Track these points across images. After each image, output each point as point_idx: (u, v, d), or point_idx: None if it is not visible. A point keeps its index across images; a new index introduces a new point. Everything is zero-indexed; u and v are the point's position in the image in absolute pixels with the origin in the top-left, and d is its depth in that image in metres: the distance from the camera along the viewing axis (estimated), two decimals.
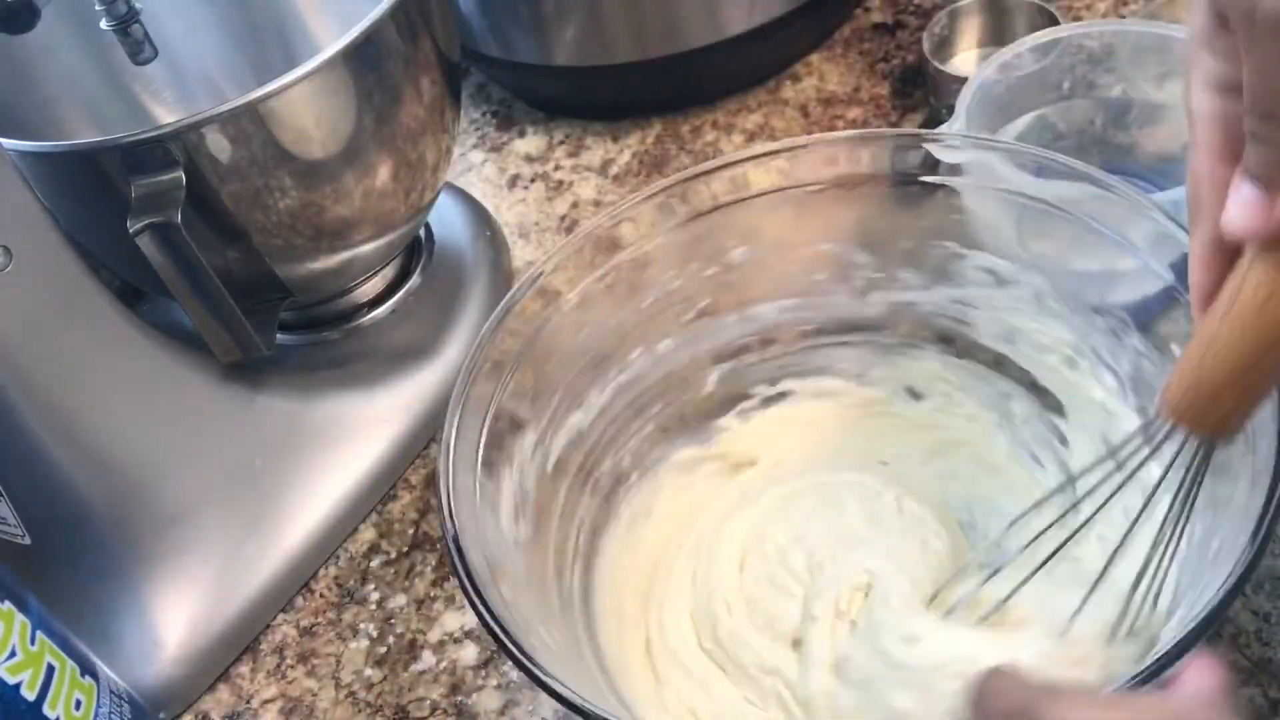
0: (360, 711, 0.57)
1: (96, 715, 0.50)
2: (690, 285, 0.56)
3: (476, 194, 0.79)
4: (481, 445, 0.48)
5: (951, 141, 0.53)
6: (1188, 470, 0.40)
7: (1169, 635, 0.40)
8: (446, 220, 0.75)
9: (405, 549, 0.63)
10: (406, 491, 0.65)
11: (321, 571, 0.63)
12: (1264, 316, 0.36)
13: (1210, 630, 0.36)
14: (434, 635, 0.59)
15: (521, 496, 0.50)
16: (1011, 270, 0.54)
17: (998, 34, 0.77)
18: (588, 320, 0.53)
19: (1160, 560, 0.42)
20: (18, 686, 0.46)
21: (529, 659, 0.41)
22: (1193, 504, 0.41)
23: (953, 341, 0.58)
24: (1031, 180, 0.51)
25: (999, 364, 0.57)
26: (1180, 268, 0.46)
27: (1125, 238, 0.49)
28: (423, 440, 0.67)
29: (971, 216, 0.54)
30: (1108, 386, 0.52)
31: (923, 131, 0.54)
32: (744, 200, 0.54)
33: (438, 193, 0.68)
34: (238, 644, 0.60)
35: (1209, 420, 0.39)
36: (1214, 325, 0.37)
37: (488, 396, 0.49)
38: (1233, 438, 0.40)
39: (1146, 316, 0.50)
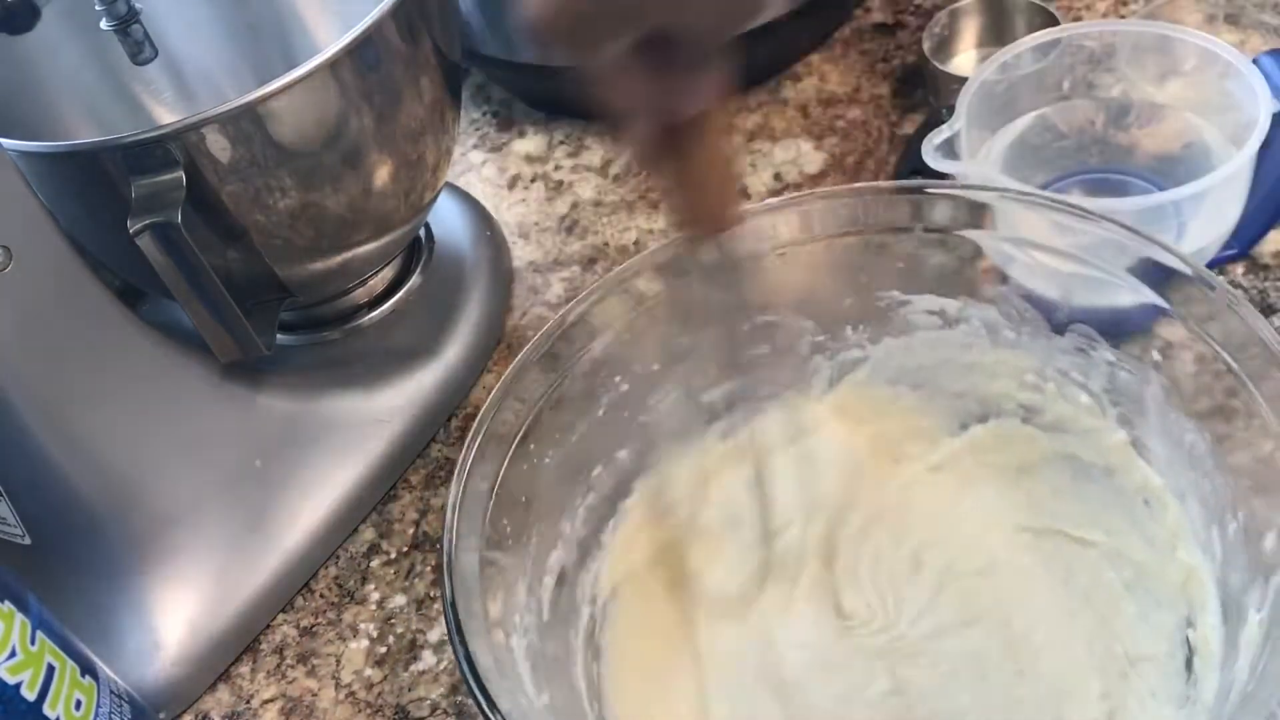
0: (360, 711, 0.57)
1: (97, 715, 0.50)
2: (637, 386, 0.54)
3: (476, 194, 0.79)
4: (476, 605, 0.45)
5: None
6: None
7: None
8: (446, 220, 0.75)
9: (405, 549, 0.63)
10: (406, 491, 0.65)
11: (321, 571, 0.63)
12: None
13: None
14: (434, 635, 0.59)
15: (526, 652, 0.48)
16: (957, 307, 0.54)
17: (998, 34, 0.77)
18: (548, 450, 0.51)
19: None
20: (18, 686, 0.45)
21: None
22: None
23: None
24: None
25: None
26: (1149, 275, 0.47)
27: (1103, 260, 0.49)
28: (423, 440, 0.67)
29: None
30: (1081, 404, 0.52)
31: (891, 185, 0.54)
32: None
33: (438, 193, 0.68)
34: (238, 644, 0.60)
35: None
36: None
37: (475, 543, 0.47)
38: None
39: (1122, 330, 0.50)
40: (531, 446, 0.50)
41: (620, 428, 0.54)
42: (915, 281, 0.54)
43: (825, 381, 0.58)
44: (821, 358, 0.58)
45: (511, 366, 0.51)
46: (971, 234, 0.52)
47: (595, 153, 0.81)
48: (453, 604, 0.43)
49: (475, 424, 0.49)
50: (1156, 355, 0.49)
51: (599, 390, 0.53)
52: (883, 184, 0.55)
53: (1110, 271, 0.48)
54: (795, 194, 0.54)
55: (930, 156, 0.60)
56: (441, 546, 0.45)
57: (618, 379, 0.54)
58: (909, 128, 0.75)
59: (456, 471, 0.47)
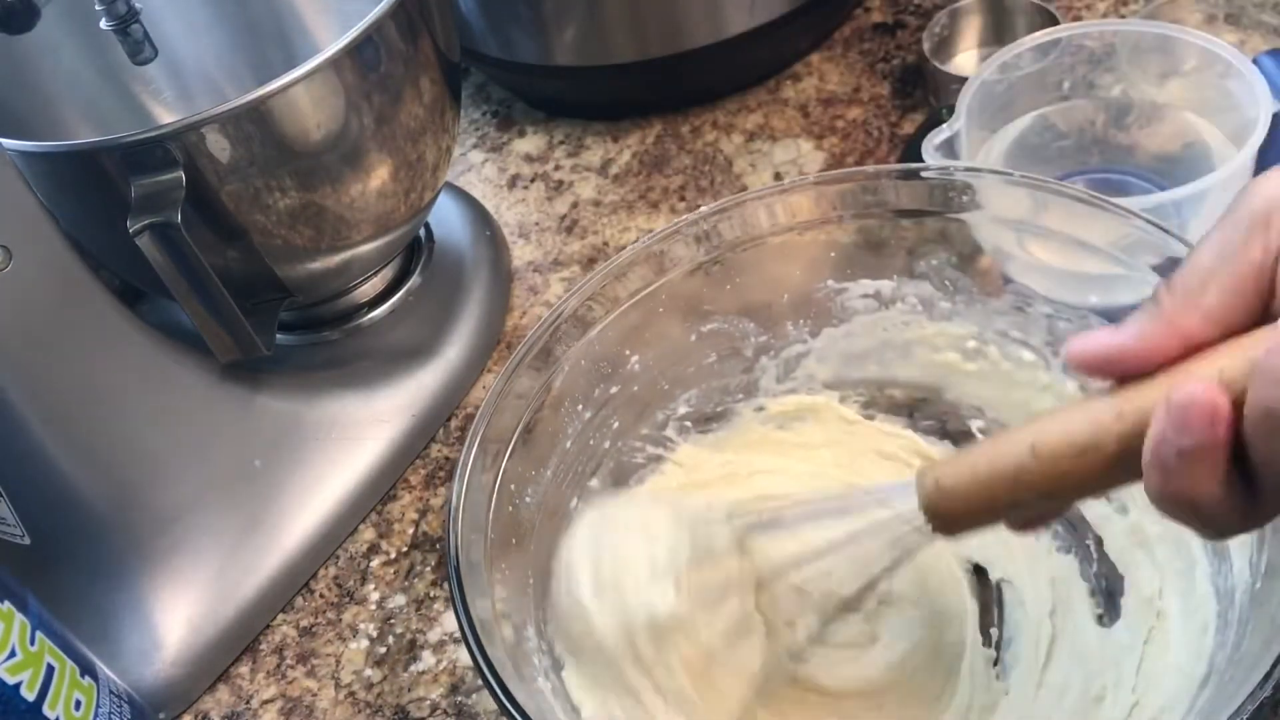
0: (360, 711, 0.57)
1: (96, 715, 0.50)
2: (598, 413, 0.54)
3: (476, 194, 0.79)
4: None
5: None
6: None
7: None
8: (446, 220, 0.75)
9: (405, 549, 0.63)
10: (406, 491, 0.65)
11: (321, 571, 0.63)
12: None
13: None
14: (434, 635, 0.59)
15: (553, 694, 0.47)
16: (892, 287, 0.54)
17: (998, 34, 0.77)
18: (523, 487, 0.51)
19: None
20: (17, 687, 0.46)
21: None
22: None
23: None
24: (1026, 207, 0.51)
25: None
26: (1162, 269, 0.47)
27: (1113, 248, 0.49)
28: (423, 440, 0.67)
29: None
30: (1024, 361, 0.53)
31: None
32: (622, 310, 0.53)
33: (437, 193, 0.68)
34: (238, 644, 0.60)
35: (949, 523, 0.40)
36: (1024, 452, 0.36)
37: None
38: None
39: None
40: (512, 487, 0.50)
41: (587, 455, 0.54)
42: (854, 267, 0.55)
43: (773, 379, 0.58)
44: (766, 358, 0.58)
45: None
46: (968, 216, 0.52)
47: (595, 153, 0.81)
48: (486, 660, 0.42)
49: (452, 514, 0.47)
50: None
51: (564, 424, 0.53)
52: (869, 168, 0.55)
53: (1128, 267, 0.48)
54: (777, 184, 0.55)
55: (930, 156, 0.60)
56: (456, 611, 0.44)
57: (580, 407, 0.54)
58: (909, 128, 0.75)
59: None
